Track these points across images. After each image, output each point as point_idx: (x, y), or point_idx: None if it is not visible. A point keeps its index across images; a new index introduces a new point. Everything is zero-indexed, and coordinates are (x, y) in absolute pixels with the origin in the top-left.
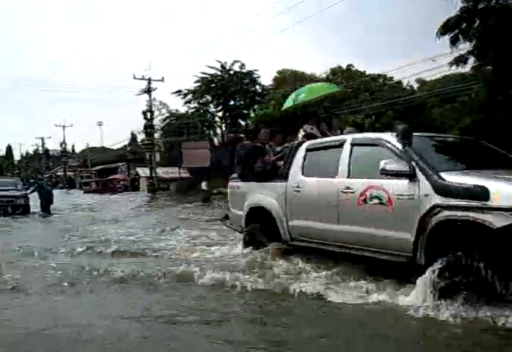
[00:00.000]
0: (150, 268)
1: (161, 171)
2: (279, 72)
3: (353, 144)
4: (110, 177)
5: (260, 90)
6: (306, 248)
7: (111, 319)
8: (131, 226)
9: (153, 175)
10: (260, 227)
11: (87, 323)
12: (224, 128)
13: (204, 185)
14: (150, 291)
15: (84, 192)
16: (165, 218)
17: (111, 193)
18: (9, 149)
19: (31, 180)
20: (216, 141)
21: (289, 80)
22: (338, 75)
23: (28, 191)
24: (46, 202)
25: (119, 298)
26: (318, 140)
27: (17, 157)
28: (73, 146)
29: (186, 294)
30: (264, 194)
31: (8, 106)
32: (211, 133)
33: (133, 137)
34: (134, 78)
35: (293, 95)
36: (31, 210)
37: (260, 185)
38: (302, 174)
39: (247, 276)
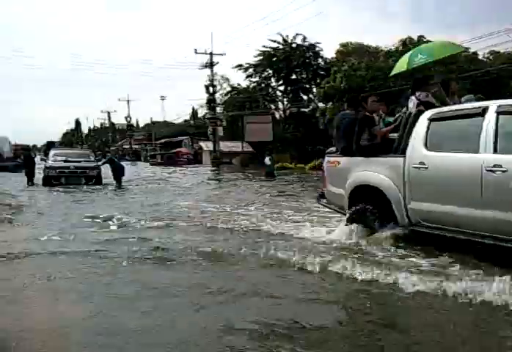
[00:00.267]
0: (249, 245)
1: (223, 145)
2: (342, 45)
3: (499, 113)
4: (175, 150)
5: (322, 63)
6: (427, 235)
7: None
8: (208, 200)
9: (216, 149)
10: (369, 208)
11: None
12: (285, 102)
13: (267, 160)
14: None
15: (150, 164)
16: (237, 192)
17: (176, 166)
18: (77, 122)
19: (108, 154)
20: (277, 115)
21: (353, 53)
22: (409, 46)
23: (100, 163)
24: (118, 174)
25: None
26: (445, 108)
27: (85, 130)
28: (137, 120)
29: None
30: (373, 171)
31: (76, 81)
32: (272, 107)
33: (194, 112)
34: (196, 52)
35: (405, 57)
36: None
37: (367, 161)
38: (426, 148)
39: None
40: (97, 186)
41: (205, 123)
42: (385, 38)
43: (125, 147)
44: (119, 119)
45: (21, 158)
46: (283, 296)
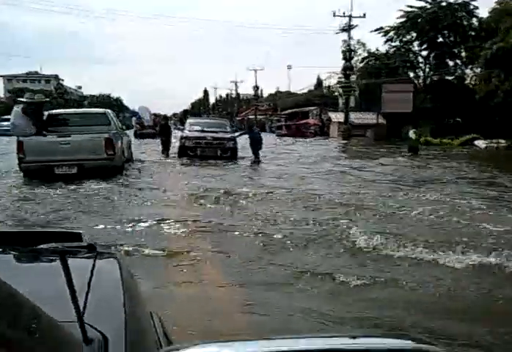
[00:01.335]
0: None
1: (354, 117)
2: (498, 3)
3: None
4: (303, 121)
5: (476, 24)
6: None
7: None
8: (364, 185)
9: (348, 120)
10: None
11: None
12: (427, 70)
13: (412, 133)
14: None
15: (277, 135)
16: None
17: (303, 137)
18: (205, 92)
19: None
20: (417, 84)
21: None
22: None
23: (237, 134)
24: (256, 146)
25: None
26: None
27: (212, 100)
28: (261, 90)
29: None
30: None
31: (205, 52)
32: (411, 75)
33: (319, 82)
34: (334, 15)
35: None
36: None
37: None
38: None
39: None
40: (233, 160)
41: (332, 93)
42: None
43: (250, 117)
44: (244, 90)
45: (157, 128)
46: None
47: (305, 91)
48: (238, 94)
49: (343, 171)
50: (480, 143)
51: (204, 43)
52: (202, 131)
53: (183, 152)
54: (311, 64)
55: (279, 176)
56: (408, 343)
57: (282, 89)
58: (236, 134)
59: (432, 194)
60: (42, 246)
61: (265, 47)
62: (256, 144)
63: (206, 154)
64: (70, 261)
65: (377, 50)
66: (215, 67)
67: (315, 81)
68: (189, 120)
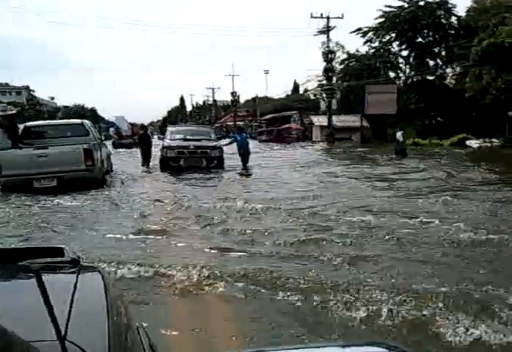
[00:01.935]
0: None
1: (336, 120)
2: (475, 1)
3: None
4: (285, 126)
5: (455, 22)
6: None
7: None
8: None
9: (331, 124)
10: None
11: None
12: (407, 70)
13: (400, 136)
14: None
15: (259, 141)
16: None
17: (285, 143)
18: (181, 100)
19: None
20: (398, 84)
21: (491, 9)
22: None
23: (225, 142)
24: (243, 154)
25: None
26: None
27: (189, 107)
28: (239, 96)
29: None
30: None
31: (180, 59)
32: (391, 75)
33: (296, 86)
34: (311, 16)
35: None
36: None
37: None
38: None
39: None
40: (220, 170)
41: (314, 96)
42: None
43: (228, 123)
44: (221, 96)
45: (135, 138)
46: None
47: (282, 96)
48: (215, 101)
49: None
50: (473, 143)
51: (179, 50)
52: (185, 140)
53: (165, 163)
54: (288, 69)
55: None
56: (382, 351)
57: (260, 95)
58: (224, 142)
59: None
60: (23, 262)
61: (241, 52)
62: (245, 152)
63: (190, 164)
64: (52, 276)
65: (357, 51)
66: (191, 74)
67: (291, 86)
68: (170, 128)
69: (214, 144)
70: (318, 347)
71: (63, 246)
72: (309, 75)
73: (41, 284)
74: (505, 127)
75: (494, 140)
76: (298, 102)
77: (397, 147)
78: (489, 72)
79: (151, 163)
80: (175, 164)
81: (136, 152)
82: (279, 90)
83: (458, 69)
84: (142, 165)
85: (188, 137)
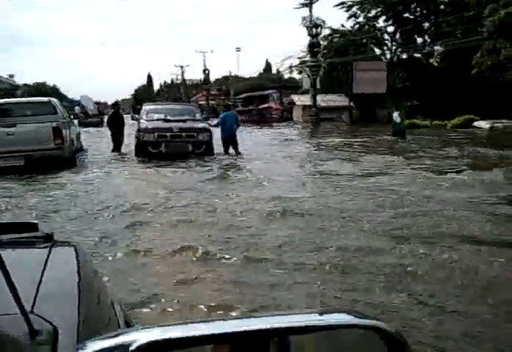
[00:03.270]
0: None
1: (320, 99)
2: None
3: None
4: (264, 106)
5: None
6: None
7: None
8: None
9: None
10: None
11: None
12: (393, 47)
13: (396, 116)
14: None
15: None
16: None
17: (266, 124)
18: (149, 78)
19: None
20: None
21: None
22: None
23: (214, 123)
24: (232, 136)
25: None
26: None
27: (156, 86)
28: (208, 74)
29: None
30: None
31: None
32: (376, 51)
33: (268, 65)
34: None
35: None
36: None
37: None
38: None
39: None
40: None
41: (282, 77)
42: None
43: (200, 103)
44: (188, 75)
45: (102, 117)
46: None
47: (255, 75)
48: (184, 79)
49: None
50: (483, 124)
51: (146, 26)
52: (165, 120)
53: (141, 149)
54: (259, 48)
55: None
56: (352, 319)
57: (232, 72)
58: (212, 123)
59: None
60: None
61: (210, 30)
62: (234, 134)
63: (173, 150)
64: (24, 251)
65: (342, 26)
66: (157, 52)
67: (263, 65)
68: (146, 107)
69: (202, 125)
70: (296, 313)
71: (37, 222)
72: (284, 52)
73: (12, 259)
74: None
75: (503, 120)
76: (271, 81)
77: (395, 128)
78: (505, 47)
79: (124, 149)
80: (155, 150)
81: (104, 131)
82: (250, 69)
83: (444, 46)
84: (113, 150)
85: (169, 117)
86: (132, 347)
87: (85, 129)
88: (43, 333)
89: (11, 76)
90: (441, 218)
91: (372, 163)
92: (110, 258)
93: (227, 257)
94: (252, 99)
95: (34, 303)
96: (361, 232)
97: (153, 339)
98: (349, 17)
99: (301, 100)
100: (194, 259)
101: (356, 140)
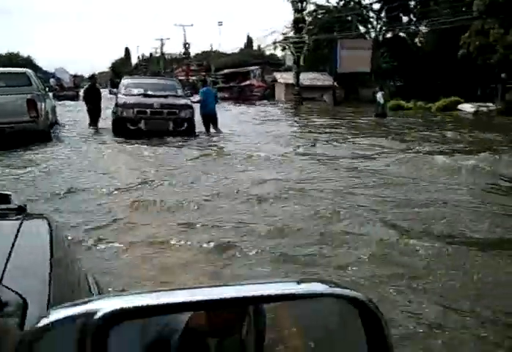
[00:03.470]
0: None
1: (303, 78)
2: None
3: None
4: (246, 83)
5: None
6: None
7: None
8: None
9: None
10: None
11: None
12: (379, 25)
13: (380, 97)
14: None
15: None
16: None
17: (248, 102)
18: (127, 51)
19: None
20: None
21: None
22: None
23: (195, 99)
24: (210, 112)
25: None
26: None
27: (134, 60)
28: (188, 48)
29: None
30: None
31: (125, 7)
32: (361, 30)
33: (249, 41)
34: None
35: None
36: None
37: None
38: None
39: None
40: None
41: (264, 53)
42: None
43: (180, 78)
44: (167, 49)
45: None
46: None
47: (236, 51)
48: (162, 53)
49: None
50: (467, 107)
51: None
52: (146, 95)
53: (119, 126)
54: (240, 22)
55: None
56: (323, 287)
57: (213, 47)
58: (194, 99)
59: None
60: None
61: (189, 2)
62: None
63: (153, 128)
64: None
65: (328, 1)
66: (136, 25)
67: (245, 40)
68: (125, 80)
69: (184, 101)
70: (273, 282)
71: (9, 193)
72: (266, 28)
73: None
74: (497, 91)
75: (488, 104)
76: (253, 57)
77: (378, 110)
78: (494, 27)
79: (100, 124)
80: (134, 127)
81: (79, 104)
82: (231, 45)
83: (430, 26)
84: (90, 125)
85: (149, 92)
86: (96, 316)
87: (60, 102)
88: (12, 304)
89: None
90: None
91: (355, 146)
92: None
93: None
94: (234, 75)
95: (2, 275)
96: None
97: (120, 306)
98: None
99: (283, 77)
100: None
101: (337, 122)
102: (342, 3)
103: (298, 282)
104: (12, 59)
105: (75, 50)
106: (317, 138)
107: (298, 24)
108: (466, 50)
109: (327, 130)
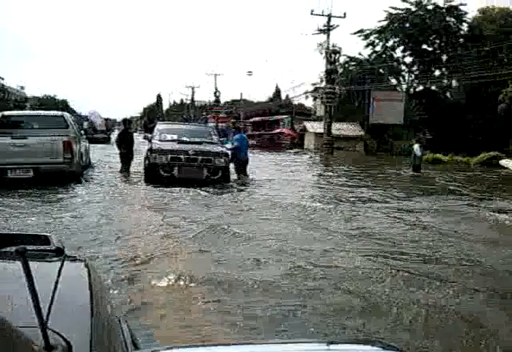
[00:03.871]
0: None
1: (332, 128)
2: (481, 11)
3: None
4: (277, 131)
5: (466, 29)
6: None
7: None
8: None
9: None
10: None
11: None
12: (409, 78)
13: (417, 149)
14: None
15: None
16: None
17: (277, 150)
18: (158, 97)
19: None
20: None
21: (498, 20)
22: None
23: (231, 145)
24: (242, 159)
25: None
26: None
27: (165, 106)
28: (219, 95)
29: None
30: None
31: (158, 56)
32: (393, 82)
33: (278, 90)
34: (312, 13)
35: None
36: None
37: None
38: None
39: None
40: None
41: (291, 102)
42: None
43: (209, 125)
44: (197, 96)
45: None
46: None
47: (263, 100)
48: (193, 100)
49: None
50: (510, 164)
51: (157, 45)
52: (180, 142)
53: (152, 172)
54: (269, 72)
55: None
56: (377, 350)
57: (239, 97)
58: (229, 146)
59: None
60: (7, 248)
61: (222, 52)
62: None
63: (187, 175)
64: (36, 264)
65: (360, 54)
66: (168, 72)
67: (273, 90)
68: (159, 126)
69: (219, 149)
70: (304, 342)
71: (49, 235)
72: (294, 79)
73: (24, 272)
74: None
75: None
76: (281, 106)
77: (415, 162)
78: None
79: (132, 170)
80: (167, 174)
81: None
82: (259, 94)
83: (461, 80)
84: (121, 171)
85: (184, 139)
86: None
87: (92, 145)
88: (57, 347)
89: (22, 88)
90: None
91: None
92: None
93: None
94: (262, 123)
95: (47, 317)
96: None
97: None
98: (367, 46)
99: (313, 127)
100: None
101: (372, 172)
102: (374, 56)
103: (353, 342)
104: (50, 102)
105: (109, 95)
106: (360, 197)
107: (330, 75)
108: (506, 104)
109: (362, 182)
